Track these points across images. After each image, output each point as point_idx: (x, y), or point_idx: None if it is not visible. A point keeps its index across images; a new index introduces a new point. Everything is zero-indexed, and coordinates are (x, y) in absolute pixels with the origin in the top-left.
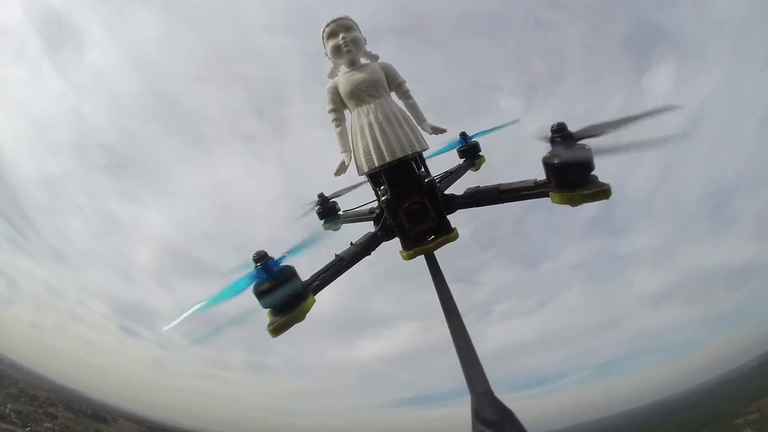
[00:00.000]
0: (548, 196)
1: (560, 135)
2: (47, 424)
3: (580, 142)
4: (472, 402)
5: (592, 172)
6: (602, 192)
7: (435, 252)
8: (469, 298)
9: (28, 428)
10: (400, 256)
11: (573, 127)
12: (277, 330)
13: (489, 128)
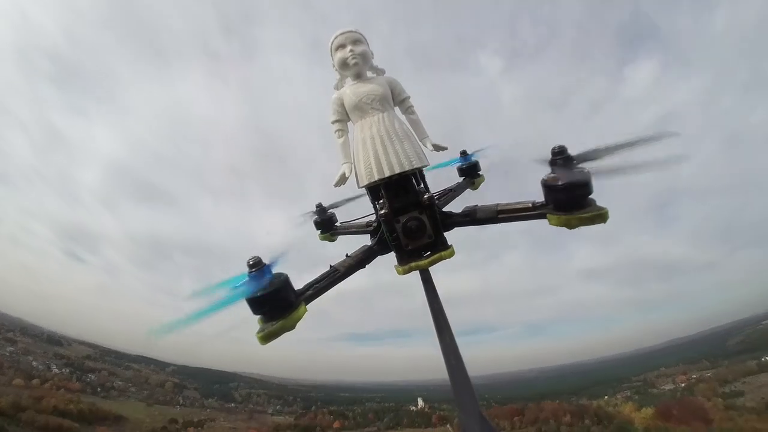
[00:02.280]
0: (546, 217)
1: (560, 158)
2: (9, 348)
3: (579, 165)
4: (460, 421)
5: (590, 196)
6: (599, 216)
7: (429, 268)
8: None
9: None
10: (395, 270)
11: (573, 150)
12: (267, 337)
13: (489, 146)
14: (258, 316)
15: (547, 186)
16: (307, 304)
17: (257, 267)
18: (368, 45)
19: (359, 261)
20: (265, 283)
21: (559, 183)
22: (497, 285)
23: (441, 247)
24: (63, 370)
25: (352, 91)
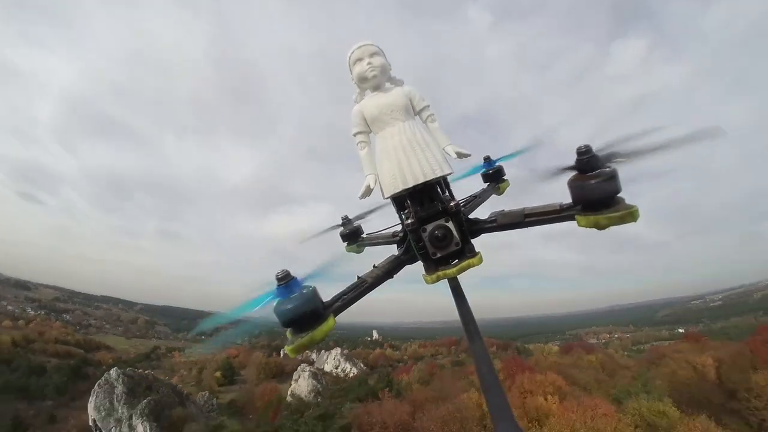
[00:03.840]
0: (574, 219)
1: (586, 157)
2: None
3: (606, 164)
4: (496, 429)
5: (619, 194)
6: (629, 214)
7: (458, 276)
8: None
9: None
10: (423, 279)
11: (598, 147)
12: (296, 350)
13: (512, 152)
14: (287, 329)
15: (574, 186)
16: (335, 316)
17: (285, 280)
18: (386, 57)
19: (387, 271)
20: (293, 296)
21: (586, 183)
22: None
23: (469, 255)
24: (38, 312)
25: (372, 103)
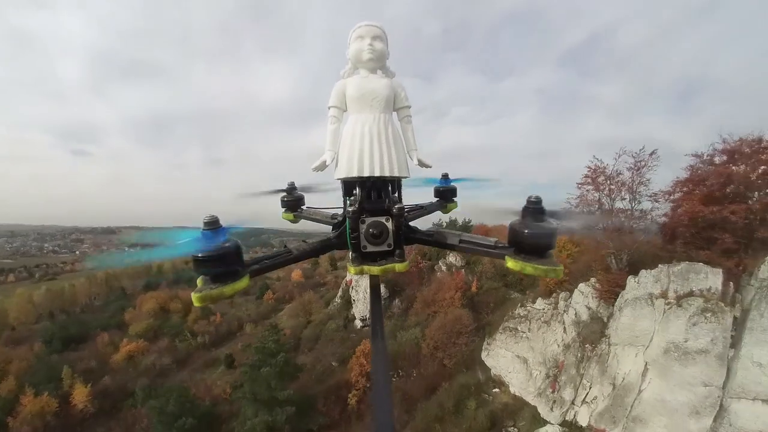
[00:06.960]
0: (504, 258)
1: (533, 207)
2: (84, 246)
3: (550, 219)
4: (373, 423)
5: (551, 250)
6: (553, 271)
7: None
8: (426, 96)
9: (78, 252)
10: (347, 268)
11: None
12: (202, 299)
13: (471, 178)
14: (200, 276)
15: (515, 230)
16: (251, 278)
17: (212, 226)
18: (387, 45)
19: (314, 249)
20: (215, 245)
21: (526, 231)
22: (503, 143)
23: (397, 259)
24: (135, 248)
25: (358, 83)
